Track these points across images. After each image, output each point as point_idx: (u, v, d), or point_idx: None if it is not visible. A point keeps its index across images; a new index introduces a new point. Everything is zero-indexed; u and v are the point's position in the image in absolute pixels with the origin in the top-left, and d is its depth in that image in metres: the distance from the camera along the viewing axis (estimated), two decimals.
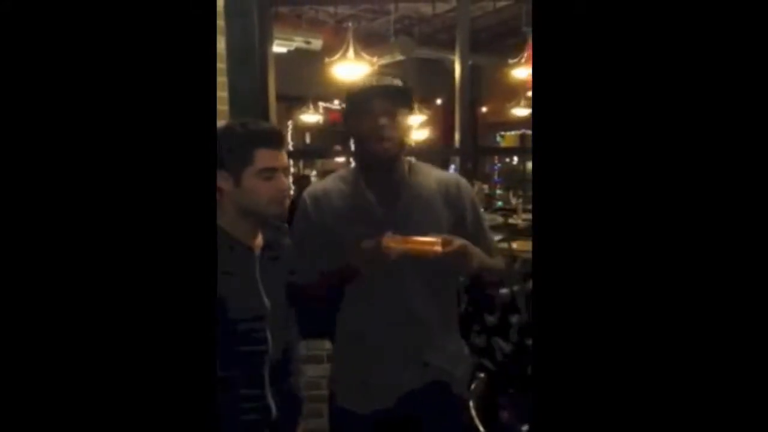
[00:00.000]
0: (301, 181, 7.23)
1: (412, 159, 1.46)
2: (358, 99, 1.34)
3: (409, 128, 1.39)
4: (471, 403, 1.74)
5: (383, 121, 1.30)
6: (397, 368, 1.35)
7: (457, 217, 1.40)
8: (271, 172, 1.21)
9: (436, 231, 1.31)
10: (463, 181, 1.48)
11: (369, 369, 1.37)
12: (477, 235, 1.41)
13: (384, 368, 1.36)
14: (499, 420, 2.18)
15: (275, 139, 1.23)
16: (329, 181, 1.46)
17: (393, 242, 1.21)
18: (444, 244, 1.22)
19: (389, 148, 1.32)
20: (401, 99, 1.34)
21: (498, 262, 1.47)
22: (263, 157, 1.20)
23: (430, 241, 1.22)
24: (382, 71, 1.49)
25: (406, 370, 1.35)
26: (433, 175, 1.44)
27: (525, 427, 2.12)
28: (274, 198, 1.22)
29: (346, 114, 1.38)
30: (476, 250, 1.32)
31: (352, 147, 1.44)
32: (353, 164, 1.47)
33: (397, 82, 1.34)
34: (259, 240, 1.30)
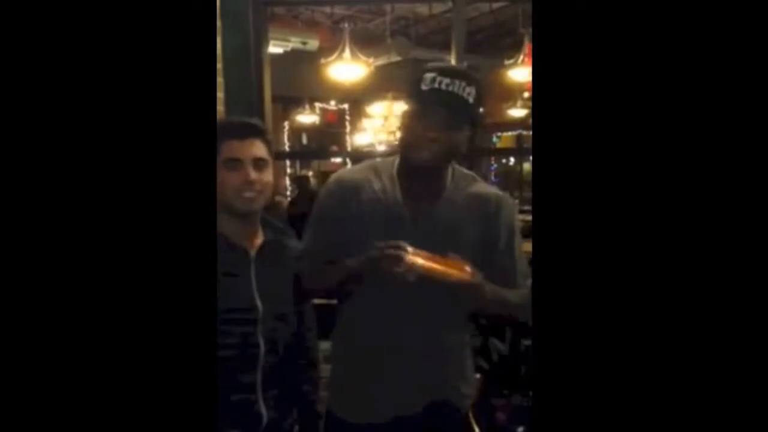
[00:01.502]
0: (301, 181, 7.23)
1: (456, 166, 1.33)
2: (417, 97, 1.21)
3: (463, 142, 1.25)
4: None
5: (433, 135, 1.18)
6: (397, 383, 1.27)
7: (488, 237, 1.29)
8: (235, 163, 1.19)
9: (463, 247, 1.21)
10: (505, 199, 1.36)
11: (367, 381, 1.30)
12: (504, 261, 1.30)
13: (383, 382, 1.28)
14: (495, 421, 2.19)
15: (242, 130, 1.22)
16: (361, 171, 1.34)
17: (420, 257, 1.09)
18: (471, 274, 1.12)
19: (434, 161, 1.21)
20: (466, 113, 1.20)
21: (513, 296, 1.29)
22: (228, 148, 1.19)
23: (461, 267, 1.12)
24: (454, 67, 1.43)
25: (407, 386, 1.27)
26: (473, 188, 1.32)
27: (521, 429, 2.12)
28: (239, 189, 1.19)
29: (407, 102, 1.26)
30: (491, 287, 1.19)
31: (398, 136, 1.31)
32: (395, 156, 1.35)
33: (468, 92, 1.18)
34: (258, 241, 1.28)
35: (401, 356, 1.27)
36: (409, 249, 1.09)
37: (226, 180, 1.19)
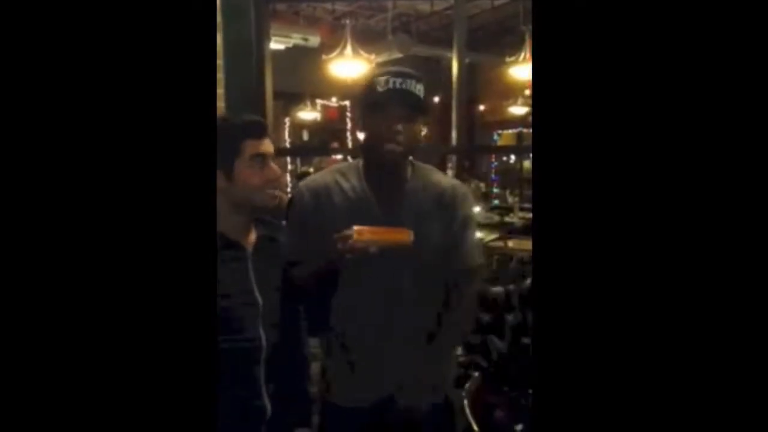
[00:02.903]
0: (303, 178, 7.20)
1: (414, 160, 1.44)
2: (375, 98, 1.31)
3: (420, 133, 1.36)
4: (465, 402, 1.75)
5: (398, 127, 1.28)
6: (383, 365, 1.36)
7: (447, 223, 1.39)
8: (261, 159, 1.22)
9: (429, 233, 1.32)
10: (461, 190, 1.46)
11: (347, 368, 1.39)
12: (454, 246, 1.39)
13: (371, 365, 1.37)
14: (494, 419, 2.19)
15: (259, 129, 1.25)
16: (327, 175, 1.44)
17: (366, 233, 1.20)
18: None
19: (399, 153, 1.31)
20: (419, 106, 1.32)
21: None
22: (251, 146, 1.21)
23: (401, 232, 1.23)
24: (402, 69, 1.36)
25: (393, 368, 1.36)
26: (433, 179, 1.43)
27: (519, 427, 2.12)
28: (266, 186, 1.22)
29: (360, 108, 1.37)
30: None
31: (360, 139, 1.42)
32: (357, 159, 1.46)
33: (419, 89, 1.30)
34: (252, 237, 1.30)
35: (368, 342, 1.37)
36: (354, 228, 1.20)
37: (252, 177, 1.21)
